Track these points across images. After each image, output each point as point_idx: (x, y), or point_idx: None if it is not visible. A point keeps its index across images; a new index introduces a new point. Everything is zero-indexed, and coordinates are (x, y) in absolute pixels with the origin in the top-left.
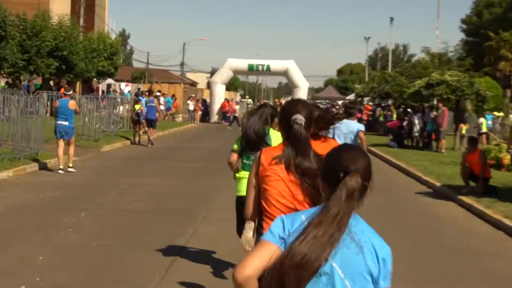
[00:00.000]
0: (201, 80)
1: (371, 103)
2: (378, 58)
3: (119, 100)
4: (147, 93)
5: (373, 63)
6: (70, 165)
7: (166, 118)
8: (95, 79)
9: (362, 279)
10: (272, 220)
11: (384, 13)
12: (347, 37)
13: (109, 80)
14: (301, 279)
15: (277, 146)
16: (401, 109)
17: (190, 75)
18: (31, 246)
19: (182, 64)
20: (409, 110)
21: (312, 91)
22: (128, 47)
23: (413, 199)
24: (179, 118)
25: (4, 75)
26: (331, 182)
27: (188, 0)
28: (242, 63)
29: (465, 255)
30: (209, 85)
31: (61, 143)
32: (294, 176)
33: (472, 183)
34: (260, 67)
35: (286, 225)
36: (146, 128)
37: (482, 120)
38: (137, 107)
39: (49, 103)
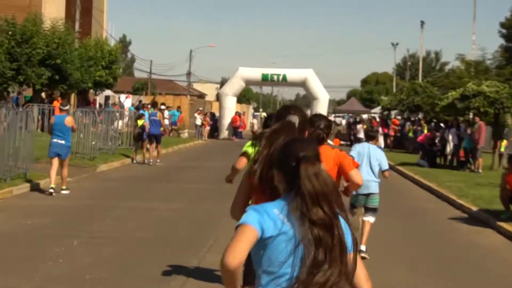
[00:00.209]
0: (209, 91)
1: (399, 117)
2: (407, 67)
3: (118, 114)
4: (149, 106)
5: (401, 72)
6: (63, 187)
7: (171, 134)
8: (91, 91)
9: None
10: None
11: (414, 16)
12: (373, 43)
13: (108, 92)
14: None
15: None
16: (432, 124)
17: (197, 86)
18: (15, 279)
19: (188, 74)
20: (441, 125)
21: (333, 103)
22: (129, 55)
23: (447, 225)
24: (185, 134)
25: None
26: (286, 172)
27: (195, 3)
28: (255, 73)
29: None
30: (218, 97)
31: (55, 162)
32: None
33: None
34: (275, 77)
35: (261, 214)
36: (148, 146)
37: None
38: (140, 122)
39: (40, 117)
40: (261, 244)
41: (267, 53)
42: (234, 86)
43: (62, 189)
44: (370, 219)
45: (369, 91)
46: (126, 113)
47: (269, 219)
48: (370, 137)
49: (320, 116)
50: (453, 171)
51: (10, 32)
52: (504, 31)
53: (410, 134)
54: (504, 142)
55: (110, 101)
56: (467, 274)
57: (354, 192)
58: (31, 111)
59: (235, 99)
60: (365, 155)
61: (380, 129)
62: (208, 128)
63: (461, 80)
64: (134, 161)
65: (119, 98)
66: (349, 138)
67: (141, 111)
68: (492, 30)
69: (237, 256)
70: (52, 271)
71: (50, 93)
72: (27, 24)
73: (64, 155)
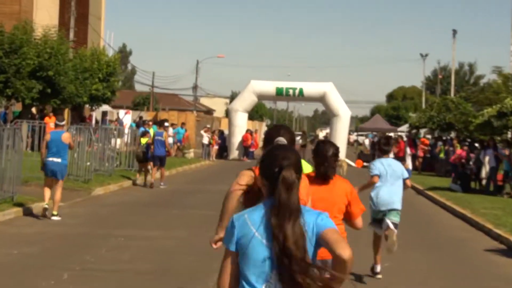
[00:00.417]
0: (218, 107)
1: (429, 136)
2: (437, 80)
3: (116, 131)
4: (150, 123)
5: (431, 86)
6: (54, 212)
7: (174, 154)
8: (87, 106)
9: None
10: None
11: (446, 24)
12: (400, 54)
13: (105, 107)
14: None
15: None
16: (466, 144)
17: (204, 101)
18: None
19: (195, 87)
20: (476, 145)
21: (356, 120)
22: (129, 66)
23: (482, 257)
24: (190, 154)
25: None
26: (269, 177)
27: (202, 10)
28: (269, 86)
29: None
30: (228, 113)
31: (50, 182)
32: None
33: None
34: (291, 91)
35: (236, 228)
36: (149, 167)
37: None
38: (143, 140)
39: (30, 135)
40: (241, 252)
41: (282, 65)
42: (246, 101)
43: (53, 215)
44: (394, 230)
45: (396, 107)
46: (126, 130)
47: (242, 228)
48: (385, 151)
49: (329, 143)
50: (489, 196)
51: None
52: None
53: (441, 155)
54: None
55: (108, 117)
56: None
57: (374, 207)
58: (20, 128)
59: (246, 115)
60: (388, 171)
61: (408, 150)
62: (216, 147)
63: (498, 96)
64: (139, 182)
65: (117, 114)
66: (373, 159)
67: (142, 129)
68: None
69: (226, 280)
70: None
71: (41, 108)
72: (16, 32)
73: (60, 175)
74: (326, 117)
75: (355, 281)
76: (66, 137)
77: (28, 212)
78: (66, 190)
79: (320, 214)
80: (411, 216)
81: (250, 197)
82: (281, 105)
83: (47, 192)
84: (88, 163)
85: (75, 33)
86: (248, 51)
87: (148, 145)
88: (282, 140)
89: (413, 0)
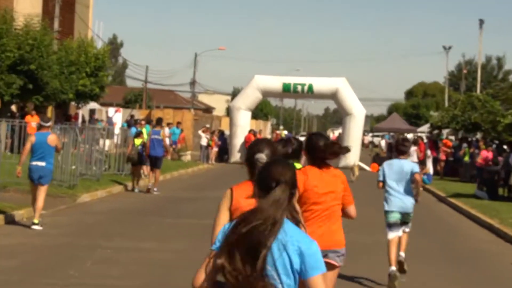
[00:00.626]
0: (218, 104)
1: (452, 138)
2: (462, 76)
3: (104, 131)
4: (143, 122)
5: (455, 82)
6: (36, 221)
7: (169, 157)
8: (73, 103)
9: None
10: None
11: (472, 14)
12: (420, 47)
13: (93, 104)
14: None
15: (246, 183)
16: (494, 146)
17: (203, 98)
18: None
19: (192, 83)
20: (505, 147)
21: (371, 119)
22: (120, 60)
23: (511, 271)
24: (187, 157)
25: None
26: (264, 190)
27: None
28: (275, 82)
29: None
30: (229, 112)
31: (36, 188)
32: None
33: None
34: (300, 87)
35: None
36: (144, 170)
37: None
38: (137, 141)
39: (9, 135)
40: None
41: (289, 59)
42: (249, 98)
43: (34, 223)
44: (405, 229)
45: (415, 105)
46: (116, 130)
47: None
48: (401, 151)
49: (320, 135)
50: None
51: None
52: None
53: (466, 159)
54: None
55: (96, 116)
56: None
57: (387, 208)
58: None
59: (249, 114)
60: (396, 173)
61: (428, 152)
62: (215, 149)
63: None
64: (136, 190)
65: (106, 112)
66: None
67: (134, 129)
68: None
69: (200, 277)
70: None
71: (22, 106)
72: None
73: (45, 180)
74: (338, 116)
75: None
76: (52, 139)
77: (7, 221)
78: (48, 196)
79: (310, 258)
80: (432, 226)
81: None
82: (288, 102)
83: (40, 206)
84: (74, 167)
85: (60, 22)
86: (252, 43)
87: (143, 147)
88: (262, 157)
89: None
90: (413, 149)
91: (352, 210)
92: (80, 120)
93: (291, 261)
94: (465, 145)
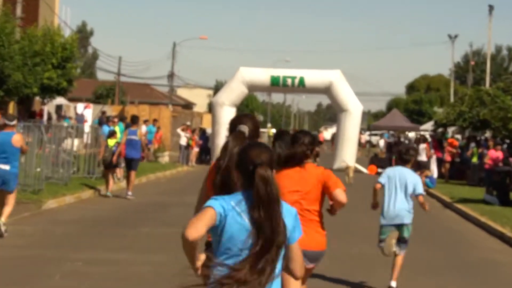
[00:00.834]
0: (199, 99)
1: (458, 136)
2: (469, 68)
3: (73, 130)
4: (115, 120)
5: (461, 75)
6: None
7: (144, 158)
8: (37, 98)
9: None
10: None
11: None
12: (423, 35)
13: (60, 100)
14: None
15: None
16: (505, 146)
17: (182, 92)
18: None
19: (170, 76)
20: None
21: (369, 116)
22: (90, 50)
23: None
24: (165, 158)
25: None
26: (244, 173)
27: None
28: (262, 74)
29: None
30: (211, 108)
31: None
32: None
33: None
34: (289, 81)
35: (222, 199)
36: (117, 173)
37: None
38: (111, 142)
39: None
40: (221, 224)
41: (278, 49)
42: (233, 92)
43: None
44: (401, 252)
45: (418, 100)
46: (86, 128)
47: (227, 204)
48: (405, 160)
49: (304, 132)
50: None
51: None
52: None
53: (474, 160)
54: None
55: (64, 112)
56: None
57: (383, 222)
58: None
59: (234, 110)
60: (397, 181)
61: (432, 153)
62: (196, 150)
63: None
64: (108, 193)
65: (75, 108)
66: (390, 164)
67: (106, 127)
68: None
69: (197, 230)
70: None
71: None
72: None
73: (9, 186)
74: (332, 113)
75: None
76: (17, 139)
77: None
78: None
79: (295, 221)
80: (437, 234)
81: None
82: (277, 97)
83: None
84: (38, 169)
85: (23, 8)
86: (236, 31)
87: (116, 147)
88: (244, 127)
89: None
90: (422, 147)
91: (339, 194)
92: (45, 117)
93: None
94: (473, 144)
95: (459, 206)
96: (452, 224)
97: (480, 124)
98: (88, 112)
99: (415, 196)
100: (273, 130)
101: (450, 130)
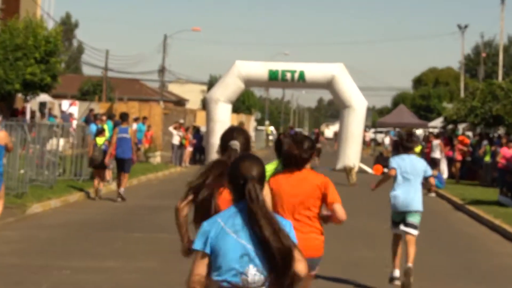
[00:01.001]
0: (193, 96)
1: (469, 134)
2: (480, 60)
3: (58, 129)
4: (103, 118)
5: (472, 68)
6: None
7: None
8: (20, 95)
9: None
10: None
11: None
12: (431, 26)
13: (44, 97)
14: None
15: None
16: None
17: (174, 88)
18: None
19: (161, 70)
20: None
21: (373, 113)
22: (75, 43)
23: None
24: (156, 158)
25: None
26: (235, 187)
27: None
28: (260, 69)
29: None
30: (205, 104)
31: None
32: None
33: None
34: (289, 75)
35: (209, 230)
36: (106, 175)
37: None
38: (100, 140)
39: None
40: (214, 252)
41: (277, 42)
42: (229, 88)
43: None
44: (412, 231)
45: (425, 95)
46: (72, 127)
47: (216, 229)
48: (408, 148)
49: (302, 136)
50: None
51: None
52: None
53: (487, 159)
54: None
55: (48, 110)
56: None
57: (393, 208)
58: None
59: (229, 107)
60: (407, 168)
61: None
62: (190, 149)
63: None
64: (97, 197)
65: (60, 105)
66: None
67: (94, 125)
68: None
69: (200, 274)
70: None
71: None
72: None
73: None
74: (334, 109)
75: None
76: (2, 137)
77: None
78: None
79: (290, 232)
80: (449, 239)
81: (198, 213)
82: (276, 93)
83: None
84: (22, 171)
85: (3, 0)
86: (232, 22)
87: (105, 147)
88: (235, 144)
89: None
90: (436, 142)
91: (338, 210)
92: (28, 115)
93: None
94: (485, 142)
95: (472, 208)
96: (464, 227)
97: (492, 120)
98: (73, 109)
99: (425, 178)
100: (271, 128)
101: (461, 127)
